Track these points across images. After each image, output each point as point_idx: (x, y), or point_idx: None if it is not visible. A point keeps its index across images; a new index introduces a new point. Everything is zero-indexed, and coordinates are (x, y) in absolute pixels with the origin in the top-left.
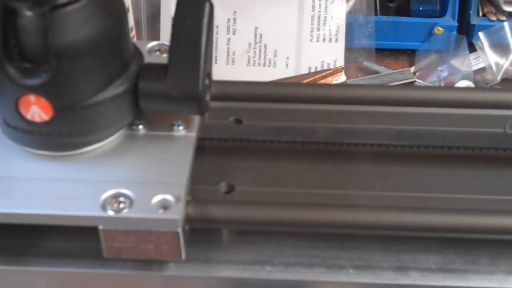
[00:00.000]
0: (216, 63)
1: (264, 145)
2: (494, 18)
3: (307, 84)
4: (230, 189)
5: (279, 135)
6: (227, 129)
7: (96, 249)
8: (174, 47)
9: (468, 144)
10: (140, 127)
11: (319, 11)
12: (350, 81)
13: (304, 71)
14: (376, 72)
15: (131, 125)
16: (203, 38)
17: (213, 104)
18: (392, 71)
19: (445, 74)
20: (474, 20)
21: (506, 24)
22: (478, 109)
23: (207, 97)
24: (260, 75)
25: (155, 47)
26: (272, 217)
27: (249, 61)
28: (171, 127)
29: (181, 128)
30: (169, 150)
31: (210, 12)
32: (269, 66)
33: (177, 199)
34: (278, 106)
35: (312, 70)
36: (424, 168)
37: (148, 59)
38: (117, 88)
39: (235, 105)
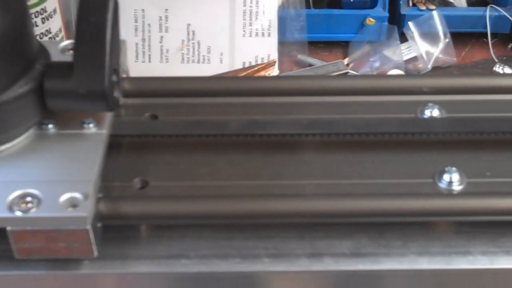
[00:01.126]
0: (150, 61)
1: (179, 140)
2: (423, 8)
3: (220, 77)
4: (144, 184)
5: (193, 129)
6: (142, 125)
7: (8, 250)
8: (78, 45)
9: (378, 130)
10: (50, 126)
11: (251, 6)
12: (282, 75)
13: (238, 66)
14: (310, 65)
15: (41, 125)
16: (108, 35)
17: (130, 101)
18: (326, 63)
19: (377, 64)
20: (404, 10)
21: (435, 13)
22: (390, 96)
23: (116, 94)
24: (194, 72)
25: (68, 46)
26: (185, 210)
27: (183, 59)
28: (81, 125)
29: (91, 126)
30: (78, 148)
31: (114, 8)
32: (203, 62)
33: (86, 196)
34: (194, 101)
35: (247, 65)
36: (336, 155)
37: (61, 58)
38: (21, 88)
39: (152, 101)
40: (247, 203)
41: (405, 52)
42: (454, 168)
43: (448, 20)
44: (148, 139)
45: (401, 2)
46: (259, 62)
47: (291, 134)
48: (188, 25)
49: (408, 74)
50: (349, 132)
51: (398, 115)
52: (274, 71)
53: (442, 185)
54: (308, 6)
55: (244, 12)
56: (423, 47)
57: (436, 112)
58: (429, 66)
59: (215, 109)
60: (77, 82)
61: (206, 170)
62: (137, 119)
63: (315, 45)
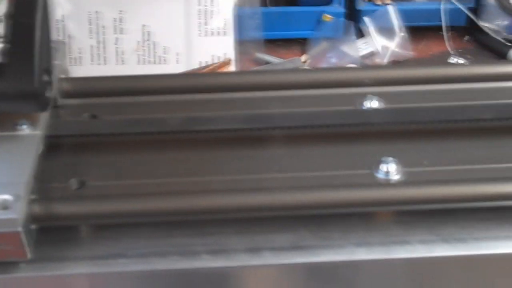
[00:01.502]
0: (105, 63)
1: (118, 139)
2: (379, 2)
3: (158, 76)
4: (81, 185)
5: (132, 127)
6: (80, 125)
7: None
8: (8, 45)
9: (316, 122)
10: None
11: (206, 5)
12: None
13: (195, 66)
14: (267, 63)
15: None
16: (37, 35)
17: (69, 101)
18: (282, 60)
19: (334, 60)
20: (361, 5)
21: (390, 7)
22: (330, 89)
23: (48, 93)
24: (151, 73)
25: None
26: (121, 209)
27: (139, 60)
28: (14, 127)
29: (24, 127)
30: (11, 150)
31: (44, 8)
32: (159, 63)
33: (17, 198)
34: (133, 99)
35: (204, 65)
36: (275, 149)
37: None
38: None
39: (91, 101)
40: (186, 199)
41: (362, 47)
42: (391, 158)
43: (404, 14)
44: (87, 139)
45: None
46: (216, 61)
47: (230, 129)
48: (143, 26)
49: (349, 67)
50: (287, 125)
51: (337, 107)
52: (230, 70)
53: (380, 175)
54: (265, 4)
55: (199, 11)
56: (380, 42)
57: (375, 103)
58: (386, 61)
59: (154, 107)
60: (7, 82)
61: (145, 168)
62: (76, 119)
63: (273, 43)
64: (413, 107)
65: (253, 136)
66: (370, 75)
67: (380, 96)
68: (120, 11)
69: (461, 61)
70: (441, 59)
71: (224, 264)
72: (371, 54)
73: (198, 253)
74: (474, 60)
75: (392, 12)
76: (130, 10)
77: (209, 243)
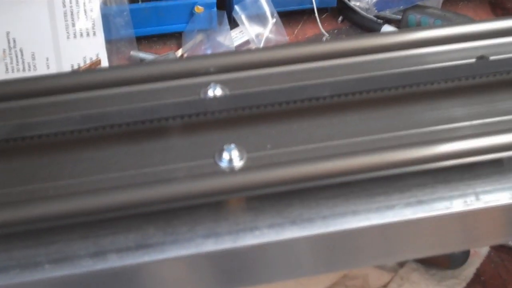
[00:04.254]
0: None
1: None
2: None
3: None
4: None
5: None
6: None
7: None
8: None
9: (155, 116)
10: None
11: (71, 6)
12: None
13: (67, 69)
14: (142, 60)
15: None
16: None
17: None
18: (157, 56)
19: (209, 51)
20: None
21: None
22: (176, 80)
23: None
24: None
25: None
26: None
27: (7, 69)
28: None
29: None
30: None
31: None
32: (29, 70)
33: None
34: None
35: (76, 67)
36: (115, 148)
37: None
38: None
39: None
40: (22, 208)
41: (238, 36)
42: (233, 145)
43: (275, 0)
44: None
45: None
46: (88, 62)
47: (65, 132)
48: (8, 32)
49: (192, 56)
50: (125, 122)
51: (179, 98)
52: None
53: (223, 163)
54: (136, 0)
55: (65, 13)
56: (253, 30)
57: (218, 91)
58: (261, 47)
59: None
60: None
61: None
62: None
63: (148, 39)
64: (254, 91)
65: (91, 136)
66: (214, 62)
67: (225, 83)
68: None
69: None
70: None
71: (68, 272)
72: (247, 43)
73: (40, 264)
74: None
75: None
76: None
77: (51, 252)
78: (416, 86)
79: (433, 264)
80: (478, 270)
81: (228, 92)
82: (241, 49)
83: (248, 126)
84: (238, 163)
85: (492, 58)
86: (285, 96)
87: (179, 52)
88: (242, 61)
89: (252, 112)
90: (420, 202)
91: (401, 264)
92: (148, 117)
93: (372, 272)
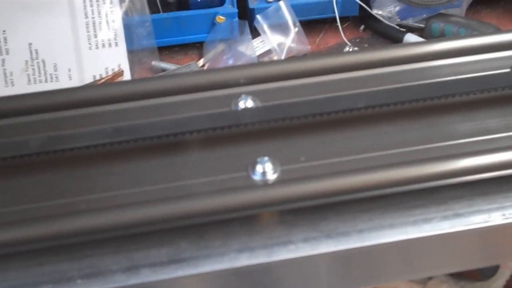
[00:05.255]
0: None
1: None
2: (271, 0)
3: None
4: None
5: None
6: None
7: None
8: None
9: (187, 129)
10: None
11: (93, 17)
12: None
13: (89, 80)
14: (163, 70)
15: None
16: None
17: None
18: (178, 66)
19: (231, 61)
20: (253, 4)
21: (281, 3)
22: (206, 92)
23: None
24: None
25: None
26: None
27: (29, 80)
28: None
29: None
30: None
31: None
32: (51, 81)
33: None
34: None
35: (98, 78)
36: (146, 161)
37: None
38: None
39: None
40: (54, 223)
41: (260, 46)
42: (266, 158)
43: (296, 9)
44: None
45: None
46: (110, 73)
47: (97, 145)
48: (30, 44)
49: (222, 68)
50: (157, 135)
51: (210, 110)
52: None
53: (256, 176)
54: (157, 11)
55: (87, 24)
56: (275, 39)
57: (250, 103)
58: (283, 57)
59: (9, 129)
60: None
61: (7, 195)
62: None
63: (169, 50)
64: (286, 103)
65: (122, 149)
66: (244, 74)
67: (255, 95)
68: (4, 30)
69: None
70: (339, 51)
71: (101, 287)
72: (269, 53)
73: (72, 279)
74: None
75: (284, 8)
76: (14, 29)
77: (84, 267)
78: (452, 97)
79: (463, 276)
80: (507, 282)
81: (259, 104)
82: (268, 60)
83: (281, 139)
84: (271, 176)
85: None
86: (318, 107)
87: (201, 62)
88: (273, 72)
89: (285, 124)
90: (458, 215)
91: (430, 276)
92: (179, 129)
93: (401, 284)
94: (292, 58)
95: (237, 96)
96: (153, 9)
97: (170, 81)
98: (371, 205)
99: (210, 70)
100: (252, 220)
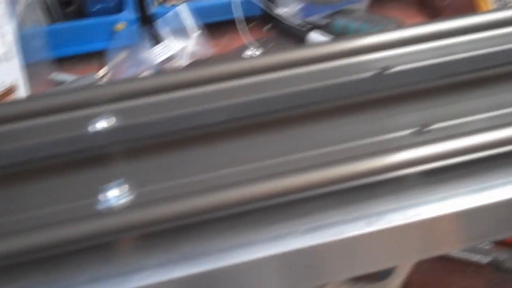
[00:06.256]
0: None
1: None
2: (170, 4)
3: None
4: None
5: None
6: None
7: None
8: None
9: (35, 156)
10: None
11: None
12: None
13: None
14: (61, 83)
15: None
16: None
17: None
18: (78, 77)
19: (134, 69)
20: (152, 9)
21: (180, 8)
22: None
23: None
24: None
25: None
26: None
27: None
28: None
29: None
30: None
31: None
32: None
33: None
34: None
35: None
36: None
37: None
38: None
39: None
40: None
41: (163, 51)
42: (120, 181)
43: (198, 13)
44: None
45: (149, 2)
46: (1, 90)
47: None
48: None
49: (78, 87)
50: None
51: (60, 135)
52: (19, 96)
53: (107, 202)
54: (57, 20)
55: None
56: (177, 44)
57: (104, 124)
58: (186, 62)
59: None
60: None
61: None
62: None
63: (71, 60)
64: (144, 121)
65: None
66: (102, 93)
67: (115, 113)
68: None
69: (258, 52)
70: (239, 53)
71: None
72: (171, 58)
73: None
74: (277, 47)
75: (183, 12)
76: None
77: None
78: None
79: (360, 278)
80: (407, 279)
81: (118, 123)
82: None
83: (137, 159)
84: (124, 199)
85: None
86: (175, 124)
87: (102, 72)
88: (134, 89)
89: (143, 144)
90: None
91: None
92: (28, 157)
93: None
94: (160, 72)
95: (94, 117)
96: (53, 18)
97: (20, 106)
98: (231, 223)
99: (65, 91)
100: (106, 248)
